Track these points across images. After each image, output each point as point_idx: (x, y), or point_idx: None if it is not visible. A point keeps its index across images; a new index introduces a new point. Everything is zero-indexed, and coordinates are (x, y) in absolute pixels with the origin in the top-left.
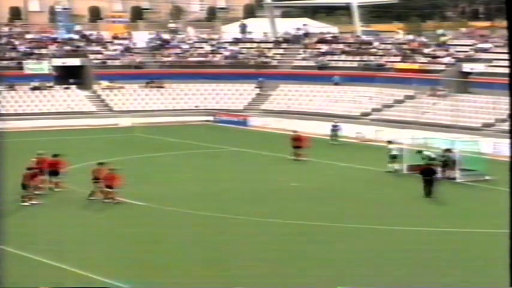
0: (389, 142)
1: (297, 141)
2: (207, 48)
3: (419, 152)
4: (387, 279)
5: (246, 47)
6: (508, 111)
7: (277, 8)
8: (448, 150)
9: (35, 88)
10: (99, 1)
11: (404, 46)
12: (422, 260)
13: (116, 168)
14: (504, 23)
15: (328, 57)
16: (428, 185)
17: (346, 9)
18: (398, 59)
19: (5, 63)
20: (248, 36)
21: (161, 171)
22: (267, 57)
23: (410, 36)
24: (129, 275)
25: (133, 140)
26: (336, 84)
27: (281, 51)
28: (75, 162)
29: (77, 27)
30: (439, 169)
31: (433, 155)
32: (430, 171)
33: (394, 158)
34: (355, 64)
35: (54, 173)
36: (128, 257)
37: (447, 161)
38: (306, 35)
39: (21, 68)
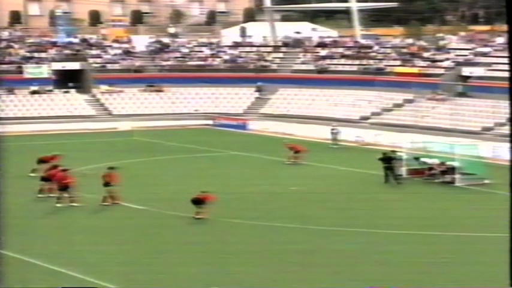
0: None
1: (293, 148)
2: (207, 52)
3: (417, 158)
4: (390, 281)
5: (245, 51)
6: (507, 115)
7: (277, 12)
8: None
9: (34, 92)
10: (99, 5)
11: (404, 50)
12: (422, 262)
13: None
14: (504, 27)
15: (328, 61)
16: (387, 172)
17: (346, 13)
18: (397, 62)
19: (4, 67)
20: (248, 40)
21: (160, 175)
22: (266, 61)
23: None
24: (128, 279)
25: (133, 144)
26: (461, 94)
27: (281, 55)
28: (74, 166)
29: (77, 31)
30: (437, 173)
31: (430, 161)
32: (388, 159)
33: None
34: (354, 68)
35: (48, 180)
36: (127, 260)
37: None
38: (312, 39)
39: (20, 72)
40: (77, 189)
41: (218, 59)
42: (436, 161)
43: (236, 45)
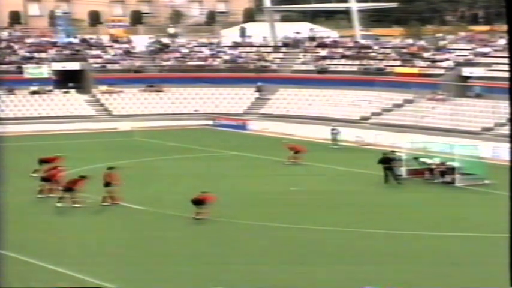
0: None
1: (293, 149)
2: (207, 52)
3: (416, 158)
4: (389, 281)
5: (245, 51)
6: (507, 115)
7: (277, 12)
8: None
9: (34, 92)
10: (99, 5)
11: (404, 50)
12: (422, 263)
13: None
14: (504, 27)
15: (328, 62)
16: (387, 172)
17: (346, 13)
18: (397, 63)
19: (4, 67)
20: (248, 40)
21: (160, 175)
22: (266, 61)
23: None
24: (128, 279)
25: (133, 144)
26: (478, 96)
27: (280, 55)
28: (74, 167)
29: (77, 32)
30: (437, 173)
31: (429, 161)
32: (387, 160)
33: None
34: (354, 68)
35: (48, 180)
36: (127, 260)
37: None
38: (313, 39)
39: (20, 72)
40: (81, 191)
41: (218, 59)
42: (436, 161)
43: (236, 45)
